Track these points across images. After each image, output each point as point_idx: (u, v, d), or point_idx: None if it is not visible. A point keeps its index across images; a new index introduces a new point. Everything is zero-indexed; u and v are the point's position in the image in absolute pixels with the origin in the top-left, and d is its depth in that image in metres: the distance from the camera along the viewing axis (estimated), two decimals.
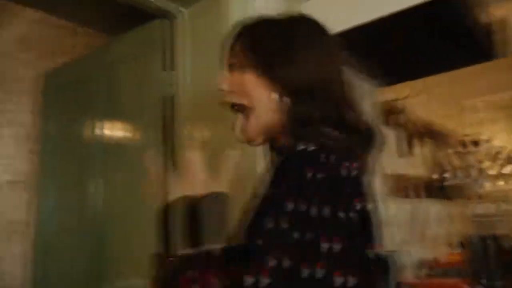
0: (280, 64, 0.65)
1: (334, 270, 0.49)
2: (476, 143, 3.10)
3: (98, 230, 1.37)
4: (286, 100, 0.64)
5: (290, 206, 0.50)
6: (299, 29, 0.68)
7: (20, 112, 1.96)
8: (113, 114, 1.41)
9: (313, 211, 0.50)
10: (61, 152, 1.67)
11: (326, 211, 0.50)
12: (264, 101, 0.65)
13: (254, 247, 0.50)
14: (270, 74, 0.65)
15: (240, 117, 0.69)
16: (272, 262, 0.48)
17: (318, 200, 0.50)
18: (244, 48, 0.68)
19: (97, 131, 1.43)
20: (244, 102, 0.67)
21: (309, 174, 0.52)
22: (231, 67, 0.69)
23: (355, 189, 0.55)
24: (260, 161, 0.94)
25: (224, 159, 0.66)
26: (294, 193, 0.51)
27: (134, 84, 1.40)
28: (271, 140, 0.69)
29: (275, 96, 0.64)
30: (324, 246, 0.49)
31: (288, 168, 0.55)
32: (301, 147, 0.55)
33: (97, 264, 1.34)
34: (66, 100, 1.70)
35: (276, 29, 0.68)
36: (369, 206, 0.55)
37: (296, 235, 0.49)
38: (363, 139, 0.63)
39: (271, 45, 0.66)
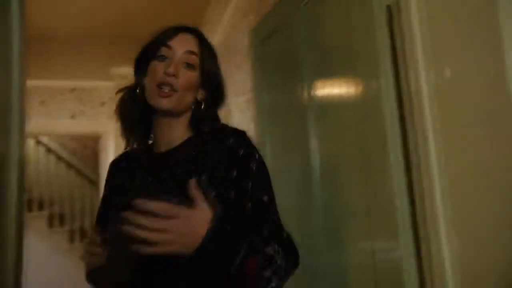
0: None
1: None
2: None
3: (321, 191, 1.21)
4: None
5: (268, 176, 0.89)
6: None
7: (242, 81, 1.98)
8: (323, 67, 1.19)
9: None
10: (275, 116, 1.56)
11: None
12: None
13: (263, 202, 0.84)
14: None
15: None
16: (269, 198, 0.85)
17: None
18: None
19: (309, 88, 1.25)
20: None
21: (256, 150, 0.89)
22: None
23: None
24: None
25: None
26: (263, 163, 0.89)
27: (345, 28, 1.04)
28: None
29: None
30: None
31: (246, 146, 0.88)
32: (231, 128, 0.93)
33: (332, 224, 1.18)
34: (273, 57, 1.56)
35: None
36: None
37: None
38: None
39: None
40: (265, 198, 0.84)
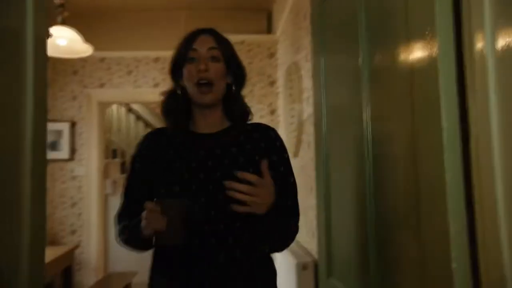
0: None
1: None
2: None
3: (373, 167, 1.07)
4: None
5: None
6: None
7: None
8: (379, 29, 1.04)
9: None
10: (331, 82, 1.48)
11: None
12: None
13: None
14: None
15: None
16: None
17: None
18: None
19: (364, 52, 1.12)
20: None
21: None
22: None
23: None
24: None
25: None
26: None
27: None
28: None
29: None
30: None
31: (280, 140, 1.18)
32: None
33: (381, 208, 1.03)
34: (331, 18, 1.44)
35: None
36: None
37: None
38: None
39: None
40: (292, 180, 1.18)
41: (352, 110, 1.25)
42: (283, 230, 1.12)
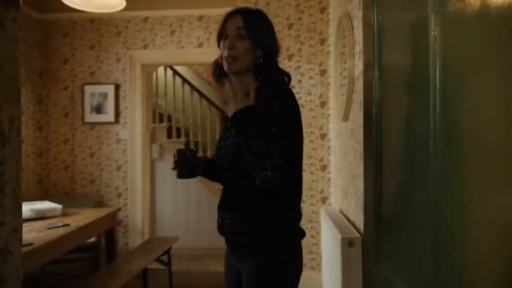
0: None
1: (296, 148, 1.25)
2: None
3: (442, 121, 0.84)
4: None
5: (291, 124, 1.24)
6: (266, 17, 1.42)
7: None
8: None
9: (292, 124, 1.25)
10: (388, 39, 1.25)
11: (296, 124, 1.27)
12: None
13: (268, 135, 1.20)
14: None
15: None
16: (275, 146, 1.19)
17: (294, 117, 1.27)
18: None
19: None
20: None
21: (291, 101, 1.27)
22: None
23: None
24: None
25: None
26: (291, 114, 1.26)
27: None
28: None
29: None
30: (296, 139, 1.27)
31: (284, 95, 1.26)
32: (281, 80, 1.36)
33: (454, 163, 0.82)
34: None
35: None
36: None
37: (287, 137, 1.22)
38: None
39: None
40: (273, 130, 1.22)
41: (414, 68, 0.94)
42: (254, 159, 1.22)
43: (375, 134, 1.24)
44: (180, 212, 4.90)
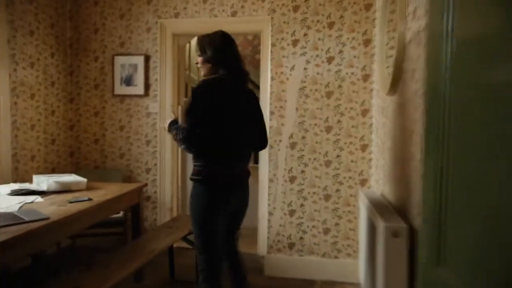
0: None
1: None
2: None
3: None
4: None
5: (200, 107, 1.97)
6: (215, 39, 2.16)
7: None
8: None
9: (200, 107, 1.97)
10: None
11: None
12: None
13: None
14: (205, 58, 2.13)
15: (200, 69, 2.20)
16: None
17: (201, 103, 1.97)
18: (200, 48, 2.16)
19: None
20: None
21: (198, 90, 1.98)
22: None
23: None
24: None
25: None
26: (200, 101, 1.97)
27: None
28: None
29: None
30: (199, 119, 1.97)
31: (197, 88, 2.00)
32: (207, 78, 2.09)
33: None
34: None
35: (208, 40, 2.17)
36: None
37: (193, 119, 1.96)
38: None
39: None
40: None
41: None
42: (177, 139, 2.04)
43: (439, 105, 0.96)
44: None
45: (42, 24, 3.57)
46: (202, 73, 2.16)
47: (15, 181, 3.21)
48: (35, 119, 3.50)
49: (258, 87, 4.56)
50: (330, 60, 3.30)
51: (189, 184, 2.03)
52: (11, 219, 1.92)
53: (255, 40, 5.68)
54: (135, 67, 3.81)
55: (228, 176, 2.02)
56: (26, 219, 1.93)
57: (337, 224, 3.31)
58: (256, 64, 4.84)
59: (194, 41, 4.99)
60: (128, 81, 3.82)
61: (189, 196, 2.06)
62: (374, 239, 2.01)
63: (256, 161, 4.54)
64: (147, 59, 3.78)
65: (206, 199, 1.98)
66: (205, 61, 2.11)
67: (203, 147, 1.96)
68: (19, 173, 3.30)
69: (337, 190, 3.31)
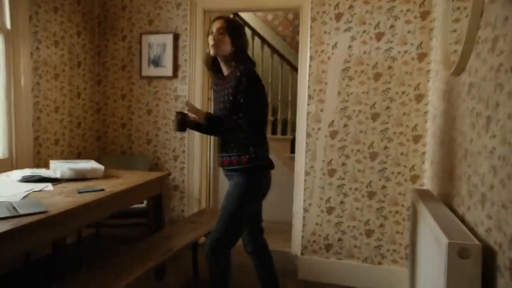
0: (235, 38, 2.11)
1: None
2: None
3: None
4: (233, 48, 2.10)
5: (262, 101, 2.11)
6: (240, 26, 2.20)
7: None
8: None
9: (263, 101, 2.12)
10: None
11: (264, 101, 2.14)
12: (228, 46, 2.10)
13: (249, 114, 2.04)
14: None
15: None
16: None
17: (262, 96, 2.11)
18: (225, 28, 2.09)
19: None
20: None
21: (260, 85, 2.08)
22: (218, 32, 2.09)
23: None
24: None
25: None
26: (262, 95, 2.10)
27: None
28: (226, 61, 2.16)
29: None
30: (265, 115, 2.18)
31: (254, 81, 2.04)
32: (249, 69, 2.08)
33: None
34: None
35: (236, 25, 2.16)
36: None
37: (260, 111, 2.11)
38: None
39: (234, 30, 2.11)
40: (247, 108, 2.04)
41: None
42: (230, 129, 2.08)
43: None
44: None
45: (68, 0, 3.37)
46: (214, 51, 2.10)
47: (37, 166, 3.06)
48: (59, 101, 3.33)
49: (296, 70, 4.17)
50: (379, 36, 2.85)
51: (221, 177, 2.45)
52: (6, 211, 1.70)
53: (296, 20, 5.27)
54: (163, 46, 3.54)
55: (270, 160, 2.21)
56: (21, 212, 1.70)
57: (382, 225, 2.89)
58: (296, 46, 4.44)
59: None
60: (156, 62, 3.57)
61: (231, 185, 2.14)
62: (430, 253, 1.60)
63: (292, 150, 4.17)
64: (176, 37, 3.50)
65: (264, 182, 2.17)
66: (232, 44, 2.09)
67: (261, 135, 2.15)
68: (41, 157, 3.16)
69: (383, 187, 2.88)
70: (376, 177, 2.89)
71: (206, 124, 2.09)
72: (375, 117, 2.88)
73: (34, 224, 1.61)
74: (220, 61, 2.17)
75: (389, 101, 2.85)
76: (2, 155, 2.91)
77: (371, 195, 2.91)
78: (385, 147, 2.87)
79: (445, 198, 1.98)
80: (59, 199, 1.98)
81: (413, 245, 2.20)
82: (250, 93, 2.01)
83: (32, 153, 3.07)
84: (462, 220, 1.61)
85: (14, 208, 1.75)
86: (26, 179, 2.35)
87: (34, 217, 1.66)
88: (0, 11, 2.85)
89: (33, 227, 1.62)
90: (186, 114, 2.13)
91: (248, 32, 4.75)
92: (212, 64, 2.21)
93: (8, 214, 1.66)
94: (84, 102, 3.60)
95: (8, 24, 2.86)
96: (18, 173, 2.46)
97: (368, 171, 2.91)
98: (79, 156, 3.56)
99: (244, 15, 4.87)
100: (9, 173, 2.51)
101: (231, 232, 2.10)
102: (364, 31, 2.88)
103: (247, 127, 2.02)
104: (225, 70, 2.17)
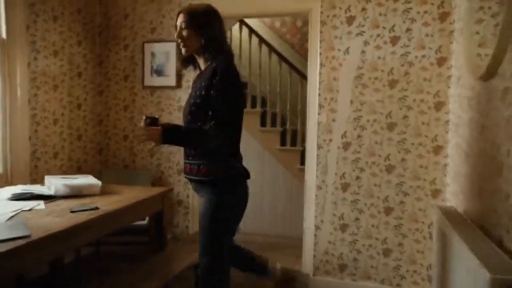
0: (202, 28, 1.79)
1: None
2: None
3: None
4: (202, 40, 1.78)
5: (238, 100, 1.79)
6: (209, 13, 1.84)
7: None
8: None
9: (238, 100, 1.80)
10: None
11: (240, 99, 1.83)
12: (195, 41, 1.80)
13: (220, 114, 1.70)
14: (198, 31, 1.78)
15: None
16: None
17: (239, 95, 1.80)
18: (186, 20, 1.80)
19: None
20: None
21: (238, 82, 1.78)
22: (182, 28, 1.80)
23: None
24: None
25: None
26: (238, 93, 1.79)
27: None
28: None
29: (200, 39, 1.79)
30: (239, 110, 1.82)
31: (231, 73, 1.75)
32: (228, 60, 1.79)
33: None
34: None
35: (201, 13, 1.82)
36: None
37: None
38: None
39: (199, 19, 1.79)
40: (219, 106, 1.73)
41: None
42: (198, 141, 1.76)
43: None
44: (252, 191, 4.26)
45: (68, 9, 3.25)
46: (184, 51, 1.85)
47: (34, 181, 2.91)
48: (58, 113, 3.19)
49: (305, 78, 3.99)
50: (394, 40, 2.66)
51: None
52: None
53: (305, 27, 5.11)
54: (166, 55, 3.39)
55: (245, 168, 1.93)
56: (1, 237, 1.53)
57: (400, 244, 2.67)
58: (305, 54, 4.27)
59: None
60: (159, 71, 3.42)
61: (210, 196, 1.82)
62: (466, 286, 1.39)
63: (302, 162, 3.98)
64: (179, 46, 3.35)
65: (242, 195, 1.88)
66: (200, 37, 1.79)
67: (235, 140, 1.86)
68: (39, 171, 3.01)
69: (401, 202, 2.67)
70: (393, 191, 2.68)
71: (163, 143, 1.69)
72: (391, 127, 2.68)
73: (13, 251, 1.44)
74: (196, 57, 1.89)
75: (406, 110, 2.65)
76: None
77: (388, 211, 2.69)
78: (403, 159, 2.66)
79: (475, 218, 1.76)
80: (48, 220, 1.82)
81: (441, 274, 1.98)
82: (225, 86, 1.71)
83: (29, 167, 2.92)
84: (500, 244, 1.40)
85: None
86: (17, 197, 2.20)
87: (15, 242, 1.49)
88: None
89: (14, 252, 1.45)
90: (156, 118, 1.71)
91: (255, 40, 4.60)
92: (192, 61, 1.93)
93: None
94: (85, 113, 3.47)
95: (3, 34, 2.74)
96: (9, 190, 2.31)
97: (385, 185, 2.69)
98: (79, 170, 3.41)
99: (251, 22, 4.73)
100: (0, 190, 2.36)
101: (218, 257, 1.83)
102: (378, 35, 2.69)
103: (217, 127, 1.68)
104: (202, 65, 1.89)
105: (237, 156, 1.88)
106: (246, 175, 1.88)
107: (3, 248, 1.44)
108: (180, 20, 1.82)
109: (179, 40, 1.83)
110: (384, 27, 2.68)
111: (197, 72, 1.95)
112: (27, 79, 2.88)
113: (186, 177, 1.95)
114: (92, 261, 3.30)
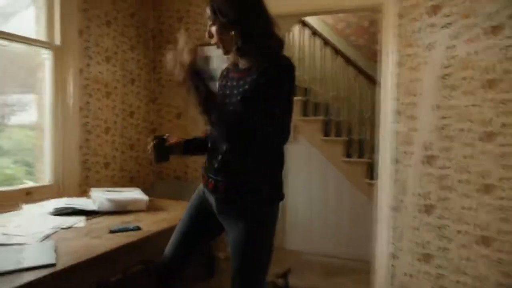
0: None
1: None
2: None
3: None
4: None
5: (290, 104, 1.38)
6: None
7: None
8: None
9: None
10: None
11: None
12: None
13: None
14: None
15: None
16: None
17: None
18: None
19: None
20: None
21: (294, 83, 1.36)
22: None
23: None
24: None
25: None
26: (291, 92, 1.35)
27: None
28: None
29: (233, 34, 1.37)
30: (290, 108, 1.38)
31: (289, 71, 1.34)
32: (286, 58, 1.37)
33: None
34: None
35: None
36: None
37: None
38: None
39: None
40: (260, 102, 1.35)
41: None
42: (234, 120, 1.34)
43: None
44: (315, 208, 3.88)
45: (121, 13, 3.13)
46: (223, 52, 1.49)
47: (84, 192, 2.78)
48: (110, 121, 3.06)
49: (373, 82, 3.56)
50: (493, 31, 2.17)
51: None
52: (9, 262, 1.34)
53: (372, 27, 4.67)
54: (222, 58, 3.14)
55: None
56: (26, 264, 1.32)
57: (501, 284, 2.15)
58: (373, 57, 3.84)
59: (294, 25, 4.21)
60: (215, 76, 3.18)
61: (258, 219, 1.43)
62: None
63: (370, 176, 3.52)
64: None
65: (277, 213, 1.51)
66: (233, 30, 1.37)
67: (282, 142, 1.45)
68: (89, 182, 2.88)
69: (504, 232, 2.15)
70: (492, 216, 2.17)
71: (204, 110, 1.32)
72: (489, 137, 2.18)
73: (34, 283, 1.21)
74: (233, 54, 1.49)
75: (508, 116, 2.15)
76: (48, 181, 2.67)
77: (486, 241, 2.18)
78: (503, 178, 2.15)
79: None
80: (83, 242, 1.61)
81: None
82: (279, 82, 1.32)
83: (79, 177, 2.80)
84: None
85: (17, 261, 1.38)
86: (58, 212, 2.03)
87: (36, 272, 1.27)
88: (50, 27, 2.65)
89: (36, 284, 1.23)
90: (164, 139, 1.66)
91: (317, 41, 4.24)
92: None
93: (10, 268, 1.29)
94: (137, 122, 3.32)
95: (58, 40, 2.65)
96: (53, 204, 2.15)
97: (481, 209, 2.19)
98: (132, 181, 3.26)
99: (312, 22, 4.38)
100: (44, 203, 2.22)
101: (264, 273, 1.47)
102: (470, 26, 2.22)
103: (283, 128, 1.36)
104: (243, 63, 1.47)
105: (281, 169, 1.49)
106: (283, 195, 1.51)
107: (24, 280, 1.22)
108: (207, 15, 1.43)
109: (213, 42, 1.46)
110: (478, 16, 2.20)
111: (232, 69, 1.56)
112: (79, 87, 2.76)
113: (211, 194, 1.52)
114: (141, 280, 3.10)
